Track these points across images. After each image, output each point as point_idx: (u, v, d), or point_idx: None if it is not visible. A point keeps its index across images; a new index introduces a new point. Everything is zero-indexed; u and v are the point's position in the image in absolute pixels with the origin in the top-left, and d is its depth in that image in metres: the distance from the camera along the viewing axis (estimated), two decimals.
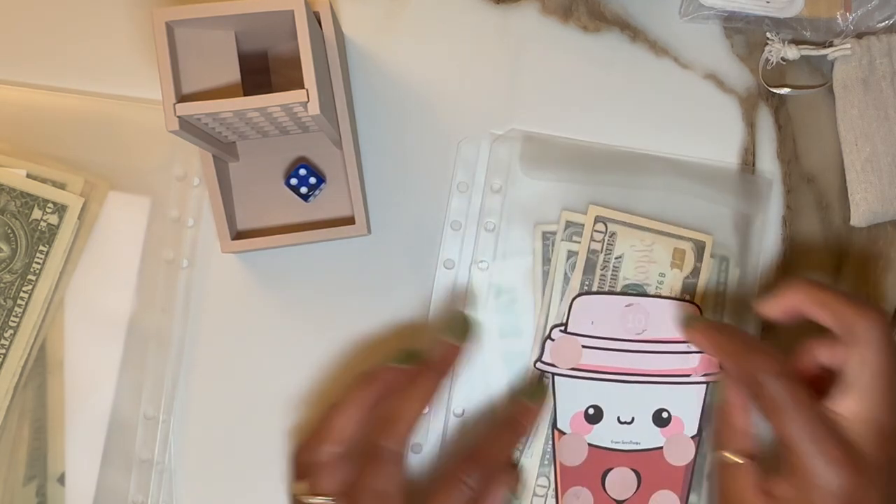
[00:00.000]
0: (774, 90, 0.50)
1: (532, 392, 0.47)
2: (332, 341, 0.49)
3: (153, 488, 0.48)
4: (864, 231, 0.50)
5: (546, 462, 0.48)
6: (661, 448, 0.48)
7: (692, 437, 0.48)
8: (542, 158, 0.49)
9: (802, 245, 0.50)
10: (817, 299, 0.42)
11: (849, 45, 0.49)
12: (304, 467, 0.42)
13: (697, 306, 0.48)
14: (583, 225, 0.48)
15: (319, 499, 0.40)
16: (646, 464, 0.48)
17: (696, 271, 0.48)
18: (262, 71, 0.48)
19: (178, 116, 0.39)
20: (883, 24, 0.49)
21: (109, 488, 0.47)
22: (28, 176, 0.47)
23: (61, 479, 0.47)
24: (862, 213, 0.49)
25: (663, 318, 0.48)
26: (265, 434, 0.49)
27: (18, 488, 0.47)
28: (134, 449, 0.48)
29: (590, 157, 0.49)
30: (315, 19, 0.43)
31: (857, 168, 0.49)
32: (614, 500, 0.48)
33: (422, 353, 0.45)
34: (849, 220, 0.50)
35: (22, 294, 0.47)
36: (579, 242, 0.48)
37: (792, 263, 0.50)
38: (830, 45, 0.49)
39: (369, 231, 0.48)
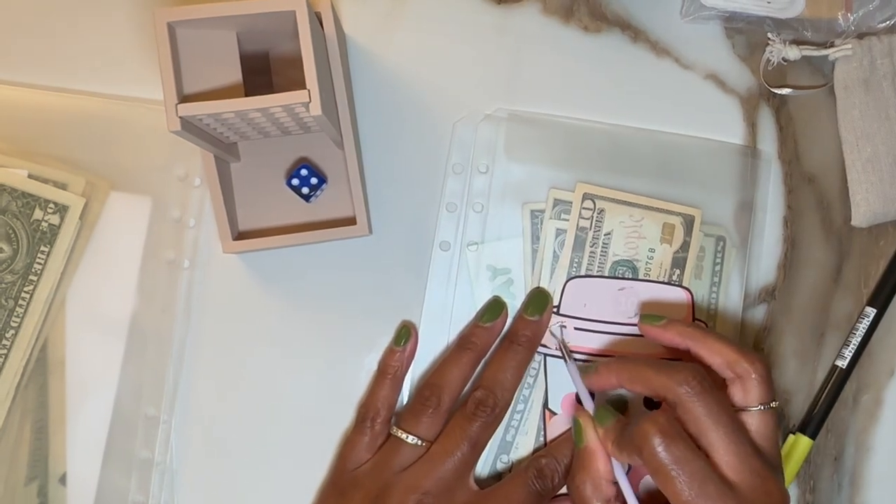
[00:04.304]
0: (775, 90, 0.50)
1: (482, 313, 0.48)
2: (333, 341, 0.49)
3: (154, 488, 0.48)
4: (865, 231, 0.50)
5: (538, 441, 0.48)
6: None
7: None
8: (528, 138, 0.49)
9: (803, 245, 0.50)
10: (704, 344, 0.44)
11: (850, 46, 0.49)
12: (413, 409, 0.46)
13: (689, 290, 0.48)
14: (571, 202, 0.48)
15: (412, 437, 0.45)
16: None
17: (685, 245, 0.49)
18: (263, 71, 0.48)
19: (180, 117, 0.39)
20: (884, 24, 0.49)
21: (110, 488, 0.47)
22: (29, 176, 0.47)
23: (62, 480, 0.47)
24: (863, 213, 0.49)
25: (655, 302, 0.48)
26: (266, 434, 0.49)
27: (20, 489, 0.47)
28: (135, 449, 0.48)
29: (577, 136, 0.49)
30: (316, 20, 0.43)
31: (857, 168, 0.49)
32: None
33: (503, 304, 0.48)
34: (850, 220, 0.50)
35: (23, 294, 0.47)
36: (568, 220, 0.48)
37: (793, 264, 0.50)
38: (831, 45, 0.49)
39: (370, 231, 0.48)
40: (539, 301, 0.48)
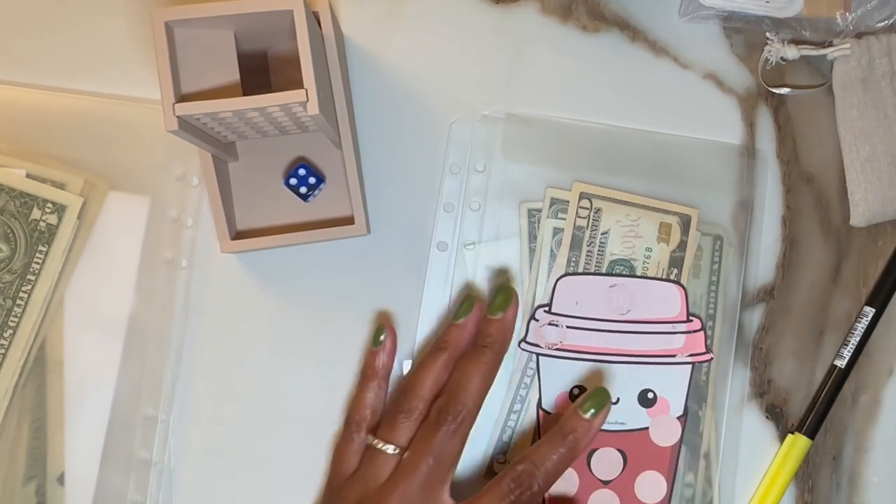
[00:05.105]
0: (774, 90, 0.50)
1: (454, 311, 0.46)
2: (332, 341, 0.49)
3: (152, 488, 0.48)
4: (864, 231, 0.50)
5: (534, 441, 0.48)
6: (647, 429, 0.48)
7: (678, 418, 0.48)
8: (526, 139, 0.49)
9: (802, 245, 0.50)
10: None
11: (848, 45, 0.49)
12: (388, 416, 0.45)
13: (682, 287, 0.48)
14: (568, 202, 0.48)
15: (389, 446, 0.43)
16: (632, 444, 0.48)
17: (682, 245, 0.49)
18: (261, 71, 0.48)
19: (178, 116, 0.39)
20: (882, 23, 0.49)
21: (109, 488, 0.47)
22: (28, 176, 0.47)
23: (60, 479, 0.47)
24: (861, 212, 0.49)
25: (648, 299, 0.48)
26: (265, 433, 0.49)
27: (18, 488, 0.47)
28: (133, 448, 0.48)
29: (574, 136, 0.49)
30: (314, 19, 0.43)
31: (856, 168, 0.49)
32: (600, 480, 0.48)
33: (473, 299, 0.46)
34: (848, 219, 0.50)
35: (21, 294, 0.47)
36: (565, 219, 0.48)
37: (792, 263, 0.50)
38: (830, 44, 0.49)
39: (369, 231, 0.48)
40: (502, 298, 0.46)
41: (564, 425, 0.44)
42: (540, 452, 0.43)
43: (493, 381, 0.45)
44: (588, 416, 0.44)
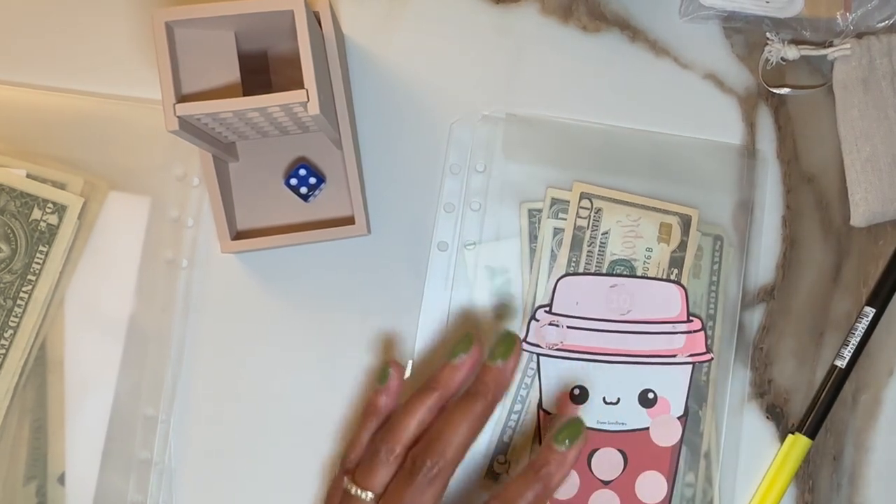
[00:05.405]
0: (774, 90, 0.50)
1: (451, 349, 0.44)
2: (332, 341, 0.49)
3: (153, 488, 0.48)
4: (864, 231, 0.50)
5: (535, 441, 0.48)
6: (648, 429, 0.48)
7: (679, 418, 0.48)
8: (526, 139, 0.49)
9: (802, 245, 0.50)
10: None
11: (848, 45, 0.49)
12: (366, 459, 0.42)
13: (682, 287, 0.48)
14: (568, 202, 0.48)
15: (366, 493, 0.41)
16: (632, 444, 0.48)
17: (682, 245, 0.49)
18: (261, 71, 0.48)
19: (178, 116, 0.39)
20: (883, 24, 0.49)
21: (109, 488, 0.47)
22: (28, 176, 0.47)
23: (61, 479, 0.47)
24: (862, 213, 0.49)
25: (648, 299, 0.48)
26: (265, 433, 0.49)
27: (18, 488, 0.47)
28: (134, 448, 0.48)
29: (574, 136, 0.49)
30: (315, 19, 0.43)
31: (857, 168, 0.49)
32: (600, 480, 0.48)
33: (472, 337, 0.43)
34: (849, 220, 0.50)
35: (22, 294, 0.47)
36: (566, 219, 0.48)
37: (792, 263, 0.50)
38: (830, 45, 0.49)
39: (369, 231, 0.48)
40: (504, 347, 0.43)
41: (537, 459, 0.42)
42: (512, 490, 0.41)
43: (480, 433, 0.42)
44: (562, 448, 0.42)
